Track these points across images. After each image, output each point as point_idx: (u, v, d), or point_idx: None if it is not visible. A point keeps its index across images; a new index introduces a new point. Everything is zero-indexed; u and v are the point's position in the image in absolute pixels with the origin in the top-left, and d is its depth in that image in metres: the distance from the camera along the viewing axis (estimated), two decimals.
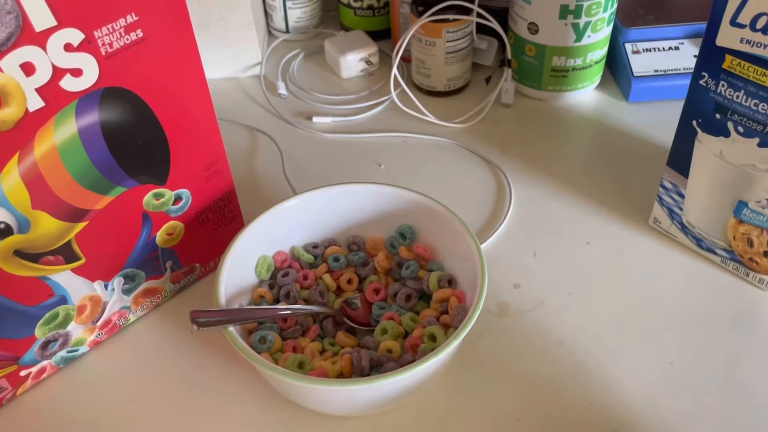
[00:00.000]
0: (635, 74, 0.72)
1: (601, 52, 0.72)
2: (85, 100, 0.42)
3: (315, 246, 0.55)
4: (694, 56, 0.72)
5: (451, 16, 0.70)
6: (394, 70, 0.73)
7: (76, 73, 0.40)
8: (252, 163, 0.69)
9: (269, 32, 0.88)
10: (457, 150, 0.70)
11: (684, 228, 0.57)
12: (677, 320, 0.53)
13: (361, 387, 0.42)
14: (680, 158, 0.54)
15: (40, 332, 0.48)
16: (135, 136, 0.45)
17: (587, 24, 0.68)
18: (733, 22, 0.46)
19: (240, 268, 0.50)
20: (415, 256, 0.54)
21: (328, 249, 0.55)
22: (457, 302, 0.49)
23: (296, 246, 0.54)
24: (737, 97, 0.48)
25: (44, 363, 0.50)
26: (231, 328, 0.44)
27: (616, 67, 0.76)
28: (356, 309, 0.51)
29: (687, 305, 0.54)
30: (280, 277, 0.52)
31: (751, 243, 0.53)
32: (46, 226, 0.44)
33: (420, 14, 0.70)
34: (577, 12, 0.67)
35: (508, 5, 0.74)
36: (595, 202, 0.63)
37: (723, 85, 0.48)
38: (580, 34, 0.69)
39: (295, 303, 0.52)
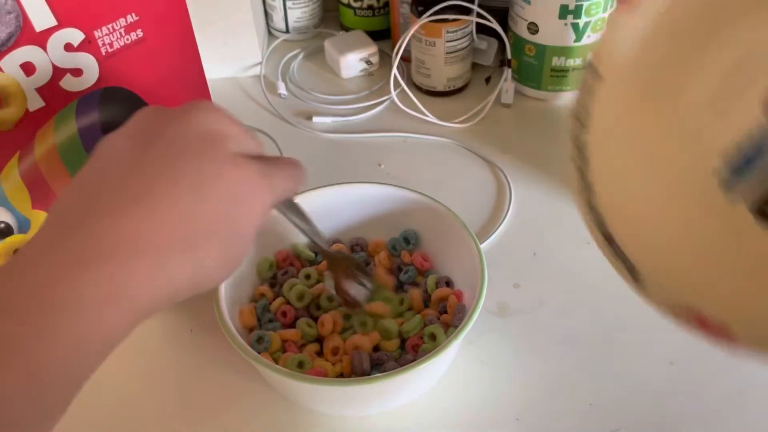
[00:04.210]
0: None
1: None
2: (85, 99, 0.42)
3: None
4: None
5: (451, 16, 0.70)
6: (394, 70, 0.73)
7: (77, 72, 0.41)
8: None
9: (269, 32, 0.88)
10: (457, 150, 0.70)
11: None
12: None
13: (361, 387, 0.42)
14: None
15: None
16: None
17: (587, 24, 0.68)
18: None
19: (240, 268, 0.50)
20: (415, 263, 0.53)
21: (332, 246, 0.55)
22: (457, 301, 0.49)
23: (297, 243, 0.54)
24: None
25: None
26: (231, 329, 0.44)
27: None
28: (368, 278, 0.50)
29: None
30: (281, 275, 0.52)
31: None
32: None
33: (420, 14, 0.70)
34: (576, 12, 0.67)
35: (508, 5, 0.74)
36: None
37: None
38: (580, 34, 0.69)
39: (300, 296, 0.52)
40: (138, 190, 0.29)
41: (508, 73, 0.73)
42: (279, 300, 0.51)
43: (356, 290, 0.49)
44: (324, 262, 0.54)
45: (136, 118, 0.32)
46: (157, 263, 0.28)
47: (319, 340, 0.49)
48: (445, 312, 0.49)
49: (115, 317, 0.27)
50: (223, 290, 0.47)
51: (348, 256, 0.52)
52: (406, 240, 0.54)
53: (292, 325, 0.50)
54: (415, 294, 0.50)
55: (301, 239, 0.55)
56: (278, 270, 0.53)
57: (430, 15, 0.70)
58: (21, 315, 0.25)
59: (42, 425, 0.26)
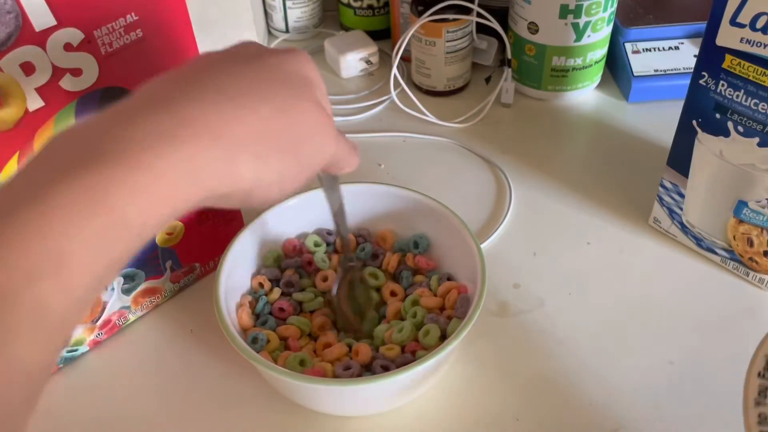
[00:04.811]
0: (635, 74, 0.72)
1: (601, 52, 0.72)
2: (85, 99, 0.42)
3: (329, 233, 0.55)
4: (694, 56, 0.72)
5: (451, 16, 0.70)
6: (394, 70, 0.73)
7: (76, 72, 0.40)
8: None
9: (269, 32, 0.88)
10: (457, 150, 0.70)
11: (684, 228, 0.57)
12: (677, 320, 0.53)
13: (361, 387, 0.41)
14: (680, 158, 0.54)
15: None
16: None
17: (587, 24, 0.68)
18: (733, 22, 0.46)
19: (240, 267, 0.50)
20: (420, 265, 0.53)
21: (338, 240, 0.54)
22: (457, 294, 0.48)
23: (309, 235, 0.54)
24: (737, 96, 0.48)
25: None
26: (231, 329, 0.44)
27: (616, 67, 0.76)
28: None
29: (687, 305, 0.54)
30: (286, 263, 0.53)
31: (751, 243, 0.53)
32: None
33: (420, 14, 0.70)
34: (577, 12, 0.67)
35: (508, 5, 0.73)
36: (595, 202, 0.63)
37: (723, 85, 0.48)
38: (580, 33, 0.69)
39: (302, 290, 0.52)
40: (230, 91, 0.31)
41: (508, 72, 0.73)
42: (276, 291, 0.51)
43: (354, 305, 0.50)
44: (335, 257, 0.54)
45: (236, 44, 0.35)
46: (229, 157, 0.30)
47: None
48: (444, 309, 0.49)
49: (185, 193, 0.28)
50: (222, 291, 0.47)
51: (359, 267, 0.51)
52: (416, 244, 0.53)
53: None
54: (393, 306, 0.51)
55: (309, 230, 0.55)
56: (286, 259, 0.53)
57: (430, 15, 0.70)
58: (110, 170, 0.26)
59: (104, 281, 0.27)
